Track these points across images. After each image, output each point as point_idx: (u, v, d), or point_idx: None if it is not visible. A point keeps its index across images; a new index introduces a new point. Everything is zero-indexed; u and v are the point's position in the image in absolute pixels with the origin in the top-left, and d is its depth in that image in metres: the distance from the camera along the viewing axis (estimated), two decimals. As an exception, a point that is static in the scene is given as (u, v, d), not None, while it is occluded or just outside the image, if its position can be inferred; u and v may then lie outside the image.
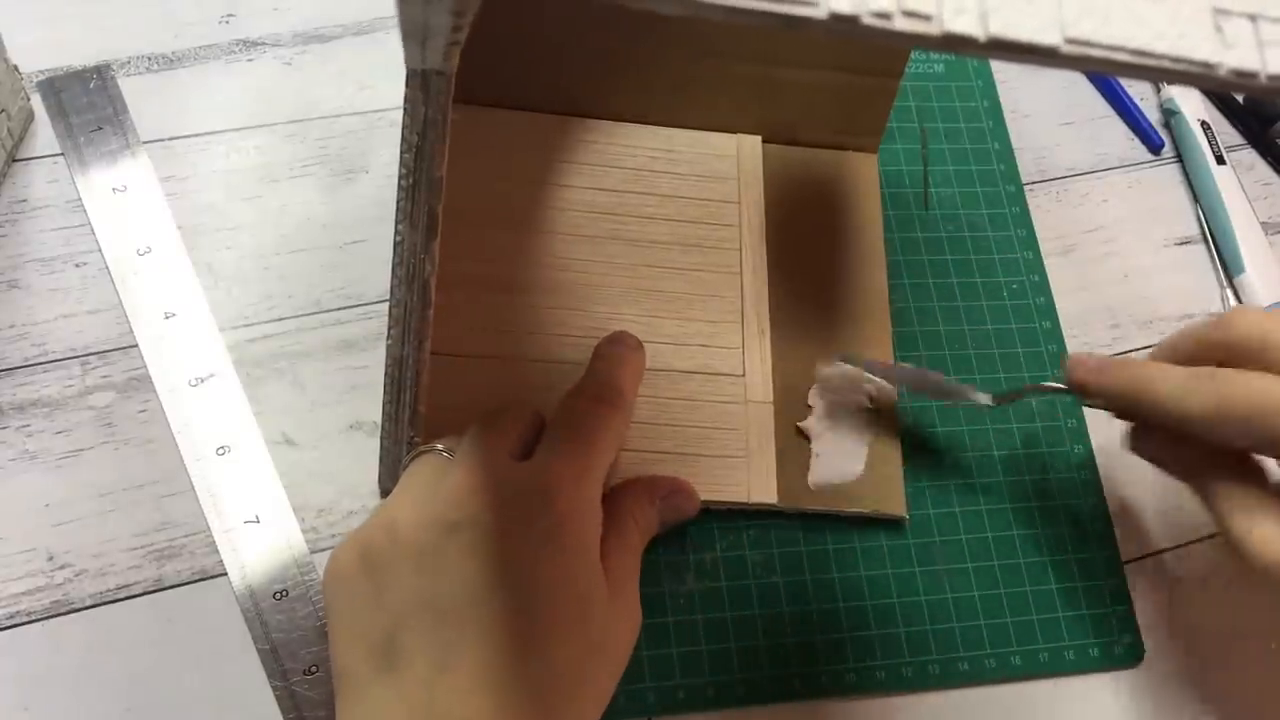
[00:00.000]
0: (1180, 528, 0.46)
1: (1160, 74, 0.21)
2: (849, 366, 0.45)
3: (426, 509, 0.34)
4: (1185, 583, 0.45)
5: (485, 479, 0.34)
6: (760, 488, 0.42)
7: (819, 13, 0.19)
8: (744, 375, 0.44)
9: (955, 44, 0.20)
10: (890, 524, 0.44)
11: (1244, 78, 0.21)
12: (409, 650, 0.32)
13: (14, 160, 0.45)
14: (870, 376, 0.45)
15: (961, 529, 0.44)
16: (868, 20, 0.19)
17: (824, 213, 0.49)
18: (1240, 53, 0.21)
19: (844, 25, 0.19)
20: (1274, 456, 0.36)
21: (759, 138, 0.49)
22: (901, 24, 0.19)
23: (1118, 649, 0.43)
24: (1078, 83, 0.56)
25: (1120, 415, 0.41)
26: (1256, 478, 0.37)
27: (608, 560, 0.35)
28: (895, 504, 0.43)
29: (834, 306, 0.47)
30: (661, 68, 0.46)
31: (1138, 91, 0.56)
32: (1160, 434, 0.39)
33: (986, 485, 0.45)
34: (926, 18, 0.19)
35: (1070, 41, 0.20)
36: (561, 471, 0.35)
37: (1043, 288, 0.50)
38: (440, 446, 0.37)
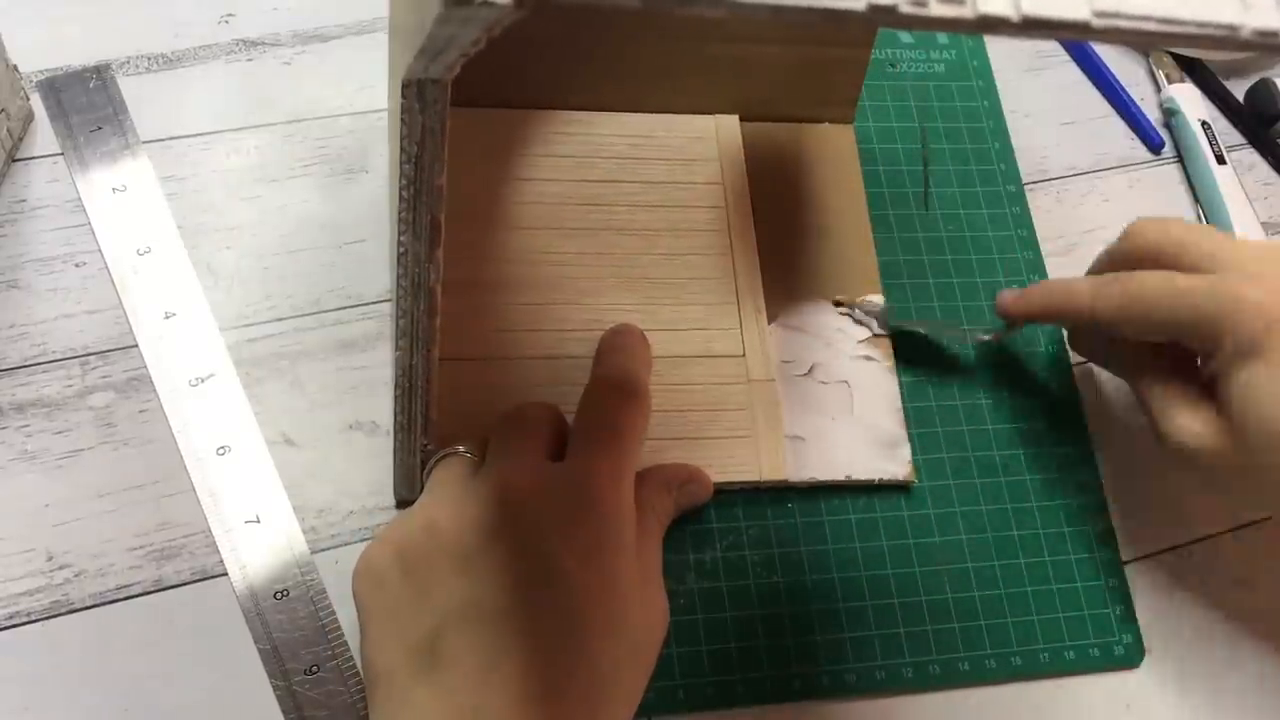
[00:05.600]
0: (1180, 528, 0.46)
1: (1186, 40, 0.22)
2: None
3: (467, 511, 0.34)
4: (1185, 583, 0.45)
5: (525, 481, 0.34)
6: (770, 465, 0.42)
7: (858, 5, 0.19)
8: (744, 355, 0.44)
9: (990, 25, 0.20)
10: (890, 524, 0.44)
11: (1266, 37, 0.22)
12: (453, 652, 0.32)
13: (14, 160, 0.45)
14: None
15: (962, 529, 0.44)
16: (906, 9, 0.19)
17: (806, 185, 0.49)
18: (1260, 13, 0.22)
19: (883, 15, 0.19)
20: (1183, 343, 0.39)
21: (736, 117, 0.49)
22: (937, 10, 0.20)
23: (1118, 649, 0.43)
24: (1078, 83, 0.56)
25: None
26: (1184, 372, 0.40)
27: (637, 555, 0.35)
28: (902, 469, 0.44)
29: (824, 275, 0.47)
30: (632, 55, 0.46)
31: (1138, 92, 0.56)
32: (1094, 337, 0.44)
33: (987, 485, 0.45)
34: (960, 2, 0.20)
35: (1099, 14, 0.21)
36: (600, 471, 0.35)
37: (1043, 288, 0.50)
38: (463, 449, 0.37)
